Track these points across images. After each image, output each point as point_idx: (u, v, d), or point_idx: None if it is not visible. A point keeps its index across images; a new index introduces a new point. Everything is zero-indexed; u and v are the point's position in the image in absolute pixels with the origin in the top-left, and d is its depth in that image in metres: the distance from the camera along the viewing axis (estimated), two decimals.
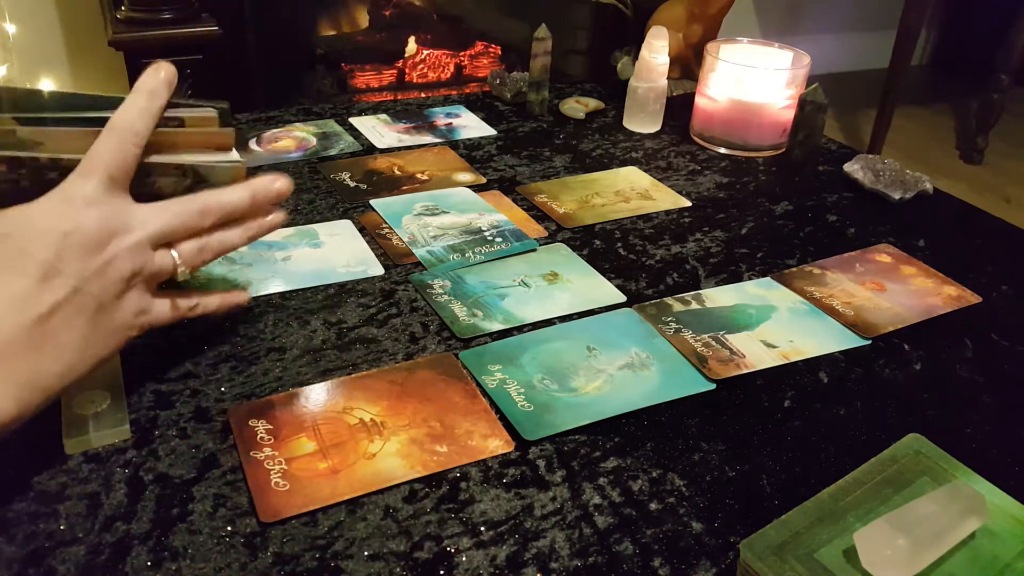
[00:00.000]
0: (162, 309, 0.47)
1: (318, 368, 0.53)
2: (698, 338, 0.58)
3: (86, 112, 0.48)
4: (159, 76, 0.47)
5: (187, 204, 0.47)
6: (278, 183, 0.50)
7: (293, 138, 0.87)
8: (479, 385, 0.52)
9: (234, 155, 0.52)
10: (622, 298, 0.63)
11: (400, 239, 0.69)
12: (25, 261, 0.40)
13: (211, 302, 0.52)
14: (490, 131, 0.93)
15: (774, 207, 0.80)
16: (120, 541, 0.40)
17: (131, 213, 0.44)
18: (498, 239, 0.69)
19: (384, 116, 0.95)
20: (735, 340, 0.58)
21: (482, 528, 0.43)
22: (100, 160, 0.44)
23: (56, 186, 0.43)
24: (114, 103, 0.47)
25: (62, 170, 0.45)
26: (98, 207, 0.43)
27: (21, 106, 0.48)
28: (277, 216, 0.52)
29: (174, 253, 0.46)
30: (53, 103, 0.48)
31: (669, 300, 0.63)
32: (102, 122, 0.45)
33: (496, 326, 0.58)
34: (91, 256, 0.42)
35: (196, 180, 0.50)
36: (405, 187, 0.78)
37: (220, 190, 0.49)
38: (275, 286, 0.61)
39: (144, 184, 0.47)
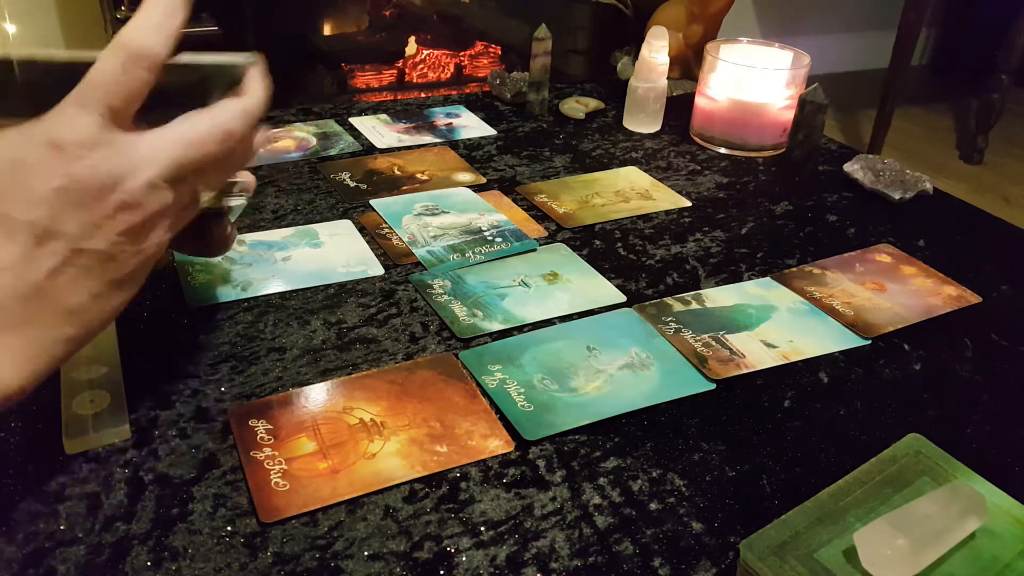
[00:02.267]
0: (183, 219, 0.41)
1: (318, 368, 0.53)
2: (698, 338, 0.58)
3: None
4: None
5: (208, 127, 0.39)
6: (259, 88, 0.43)
7: (293, 138, 0.87)
8: (479, 385, 0.52)
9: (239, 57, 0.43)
10: (622, 298, 0.63)
11: (400, 239, 0.69)
12: (10, 224, 0.34)
13: (246, 184, 0.45)
14: (490, 131, 0.93)
15: (774, 207, 0.80)
16: (120, 541, 0.40)
17: (136, 150, 0.37)
18: (498, 239, 0.69)
19: (384, 116, 0.95)
20: (735, 340, 0.58)
21: (482, 528, 0.43)
22: (100, 87, 0.36)
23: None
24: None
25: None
26: (95, 151, 0.36)
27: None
28: (267, 133, 0.46)
29: (193, 178, 0.40)
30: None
31: (669, 300, 0.63)
32: None
33: (496, 326, 0.58)
34: (92, 211, 0.36)
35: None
36: (405, 187, 0.78)
37: (240, 99, 0.41)
38: (275, 286, 0.61)
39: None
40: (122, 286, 0.39)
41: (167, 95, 0.39)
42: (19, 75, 0.39)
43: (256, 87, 0.43)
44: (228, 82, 0.42)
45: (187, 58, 0.40)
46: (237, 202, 0.47)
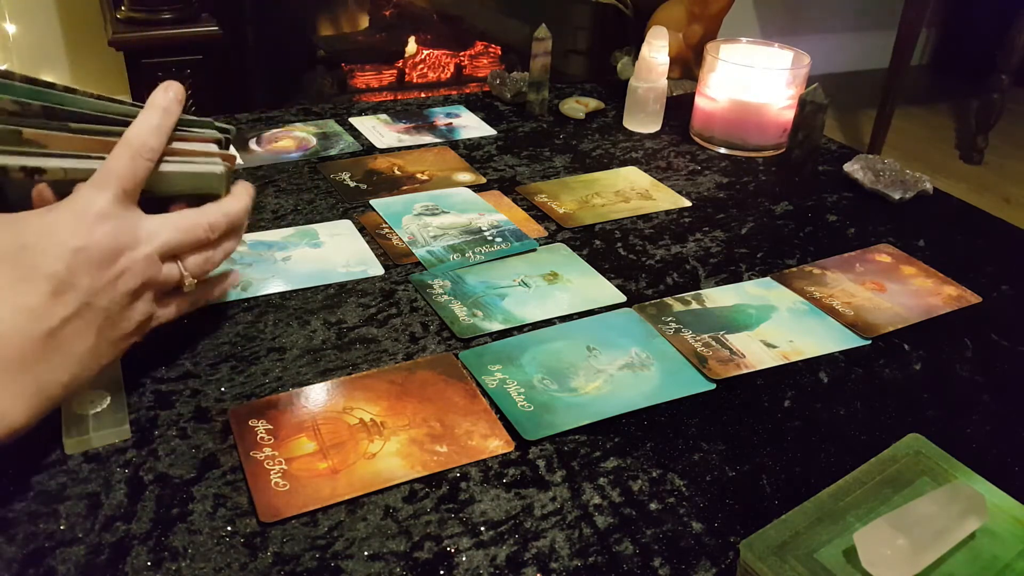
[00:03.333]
0: (166, 312, 0.49)
1: (318, 368, 0.53)
2: (698, 338, 0.58)
3: (88, 112, 0.48)
4: (169, 95, 0.48)
5: (196, 219, 0.48)
6: (242, 201, 0.52)
7: (293, 138, 0.87)
8: (479, 385, 0.52)
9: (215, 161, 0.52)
10: (622, 298, 0.63)
11: (400, 239, 0.69)
12: (37, 275, 0.41)
13: (212, 294, 0.53)
14: (490, 131, 0.93)
15: (774, 207, 0.80)
16: (120, 541, 0.40)
17: (141, 227, 0.45)
18: (498, 239, 0.69)
19: (384, 116, 0.95)
20: (735, 340, 0.58)
21: (482, 528, 0.43)
22: (113, 174, 0.45)
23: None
24: (118, 110, 0.48)
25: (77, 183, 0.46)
26: (110, 222, 0.44)
27: (23, 98, 0.47)
28: (234, 241, 0.54)
29: (180, 265, 0.48)
30: (55, 100, 0.48)
31: (669, 300, 0.63)
32: (109, 132, 0.47)
33: (496, 326, 0.58)
34: (102, 271, 0.43)
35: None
36: (405, 187, 0.78)
37: (223, 203, 0.50)
38: (275, 286, 0.61)
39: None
40: (112, 345, 0.45)
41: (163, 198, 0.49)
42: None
43: (241, 196, 0.52)
44: (206, 189, 0.51)
45: (172, 168, 0.49)
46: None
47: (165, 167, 0.48)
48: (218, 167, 0.51)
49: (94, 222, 0.43)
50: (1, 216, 0.42)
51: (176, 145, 0.49)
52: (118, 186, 0.44)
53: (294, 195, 0.75)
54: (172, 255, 0.47)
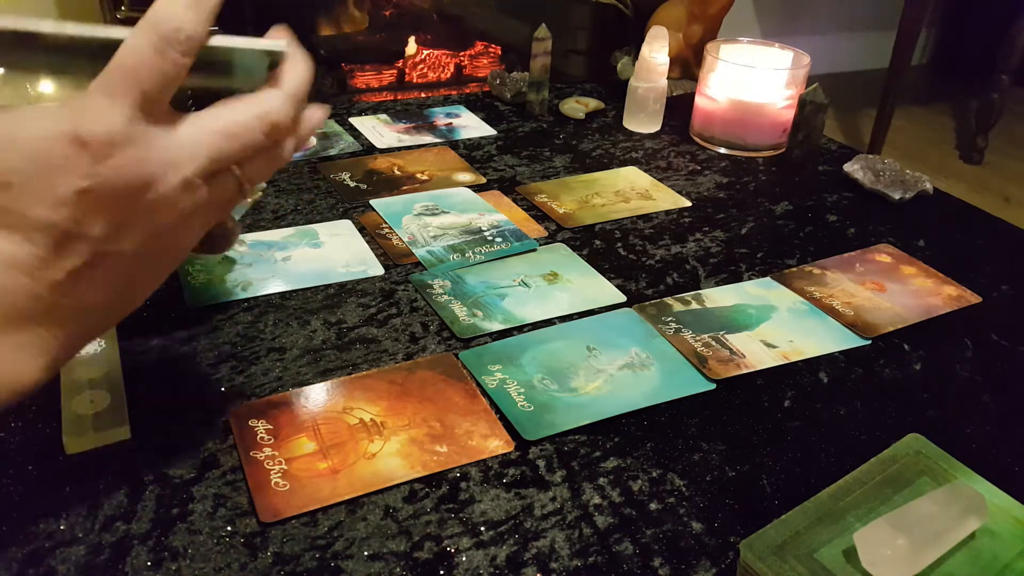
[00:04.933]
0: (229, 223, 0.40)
1: (318, 368, 0.53)
2: (698, 338, 0.58)
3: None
4: None
5: (248, 117, 0.36)
6: (301, 68, 0.41)
7: None
8: (479, 385, 0.52)
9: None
10: (622, 298, 0.63)
11: (400, 239, 0.69)
12: (29, 223, 0.31)
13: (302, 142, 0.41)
14: (490, 131, 0.93)
15: (774, 207, 0.80)
16: (120, 541, 0.40)
17: (170, 147, 0.34)
18: (498, 239, 0.69)
19: (384, 116, 0.95)
20: (735, 340, 0.58)
21: (482, 528, 0.43)
22: (131, 73, 0.32)
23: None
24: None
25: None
26: (125, 150, 0.32)
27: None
28: (323, 111, 0.43)
29: (236, 171, 0.37)
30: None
31: (669, 300, 0.63)
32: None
33: (496, 326, 0.58)
34: (120, 213, 0.33)
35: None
36: (405, 187, 0.78)
37: (283, 82, 0.39)
38: (275, 286, 0.61)
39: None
40: (145, 284, 0.37)
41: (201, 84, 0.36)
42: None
43: (297, 70, 0.39)
44: (265, 69, 0.39)
45: (220, 41, 0.37)
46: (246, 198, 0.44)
47: (212, 40, 0.36)
48: (280, 44, 0.39)
49: (102, 151, 0.32)
50: None
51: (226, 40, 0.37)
52: (136, 92, 0.32)
53: (294, 195, 0.75)
54: (222, 170, 0.36)
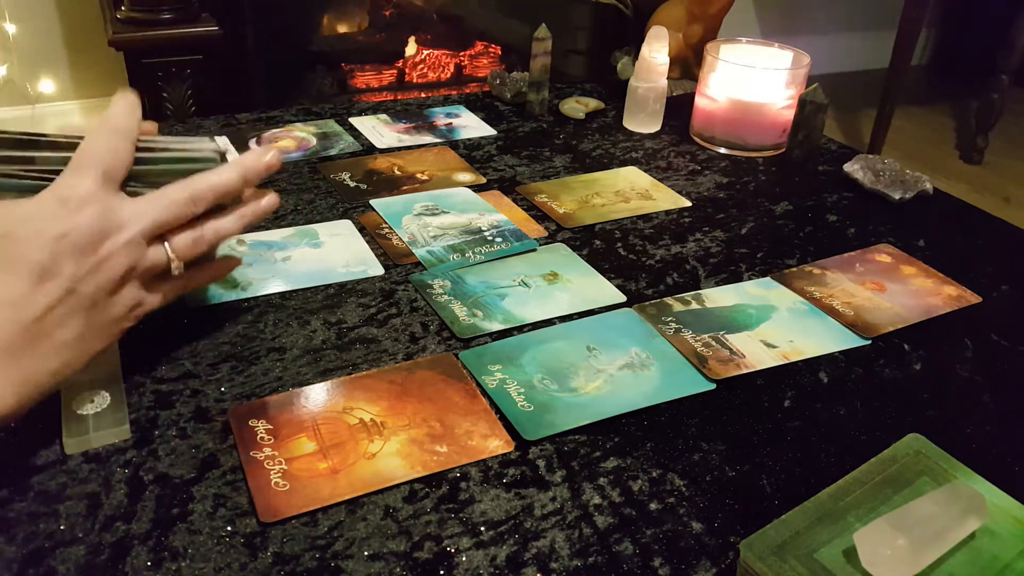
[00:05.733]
0: (153, 299, 0.48)
1: (318, 368, 0.53)
2: (698, 338, 0.58)
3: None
4: (128, 98, 0.48)
5: (177, 193, 0.47)
6: (267, 157, 0.50)
7: (293, 138, 0.87)
8: (479, 385, 0.52)
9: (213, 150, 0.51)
10: (622, 298, 0.63)
11: (400, 239, 0.69)
12: (20, 264, 0.41)
13: (202, 277, 0.52)
14: (490, 131, 0.93)
15: (774, 207, 0.80)
16: (120, 541, 0.40)
17: (124, 210, 0.44)
18: (498, 239, 0.69)
19: (384, 116, 0.95)
20: (735, 340, 0.58)
21: (482, 528, 0.43)
22: (93, 157, 0.44)
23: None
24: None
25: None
26: (92, 206, 0.43)
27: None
28: (270, 199, 0.52)
29: (167, 246, 0.47)
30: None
31: (669, 300, 0.63)
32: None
33: (496, 326, 0.58)
34: (85, 257, 0.43)
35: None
36: (405, 187, 0.78)
37: (209, 173, 0.48)
38: (275, 286, 0.61)
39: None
40: (101, 332, 0.45)
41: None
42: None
43: (227, 169, 0.49)
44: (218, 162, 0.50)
45: (162, 155, 0.48)
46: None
47: (154, 155, 0.48)
48: (211, 149, 0.50)
49: (76, 207, 0.42)
50: None
51: (169, 141, 0.49)
52: (99, 168, 0.44)
53: (294, 195, 0.75)
54: (158, 235, 0.46)
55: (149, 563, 0.39)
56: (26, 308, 0.41)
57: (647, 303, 0.62)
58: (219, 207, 0.49)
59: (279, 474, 0.45)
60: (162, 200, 0.46)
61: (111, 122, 0.46)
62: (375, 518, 0.43)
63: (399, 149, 0.87)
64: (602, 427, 0.50)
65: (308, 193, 0.76)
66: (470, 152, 0.87)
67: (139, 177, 0.47)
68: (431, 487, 0.45)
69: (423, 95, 1.82)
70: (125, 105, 0.47)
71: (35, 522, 0.41)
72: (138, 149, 0.47)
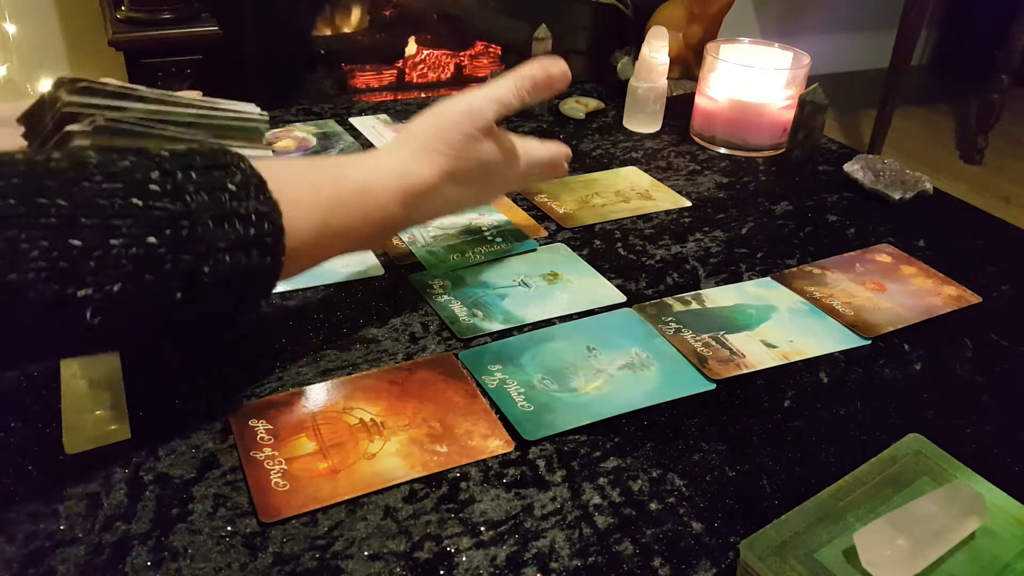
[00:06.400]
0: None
1: (318, 368, 0.53)
2: (698, 338, 0.58)
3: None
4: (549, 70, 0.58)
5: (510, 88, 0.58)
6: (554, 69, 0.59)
7: (293, 138, 0.87)
8: (479, 385, 0.52)
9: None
10: (622, 298, 0.63)
11: (400, 239, 0.69)
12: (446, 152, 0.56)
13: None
14: None
15: (774, 207, 0.80)
16: (120, 541, 0.40)
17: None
18: (498, 239, 0.69)
19: (384, 116, 0.95)
20: (735, 340, 0.58)
21: (482, 528, 0.43)
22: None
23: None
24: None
25: None
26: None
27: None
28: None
29: None
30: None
31: (669, 300, 0.63)
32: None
33: (496, 326, 0.58)
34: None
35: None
36: None
37: (509, 80, 0.57)
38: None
39: None
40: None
41: None
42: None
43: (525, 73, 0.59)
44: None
45: (219, 103, 0.56)
46: None
47: (216, 111, 0.54)
48: (257, 112, 0.58)
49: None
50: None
51: (222, 102, 0.55)
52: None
53: None
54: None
55: (149, 563, 0.39)
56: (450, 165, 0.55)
57: (647, 303, 0.62)
58: None
59: (279, 474, 0.45)
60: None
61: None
62: (375, 518, 0.43)
63: None
64: (602, 427, 0.50)
65: None
66: None
67: (206, 129, 0.52)
68: (431, 487, 0.45)
69: (423, 95, 1.82)
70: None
71: (35, 522, 0.41)
72: (203, 107, 0.51)
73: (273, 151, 0.54)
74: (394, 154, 0.54)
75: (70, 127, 0.46)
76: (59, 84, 0.47)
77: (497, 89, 0.57)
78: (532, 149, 0.62)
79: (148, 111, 0.47)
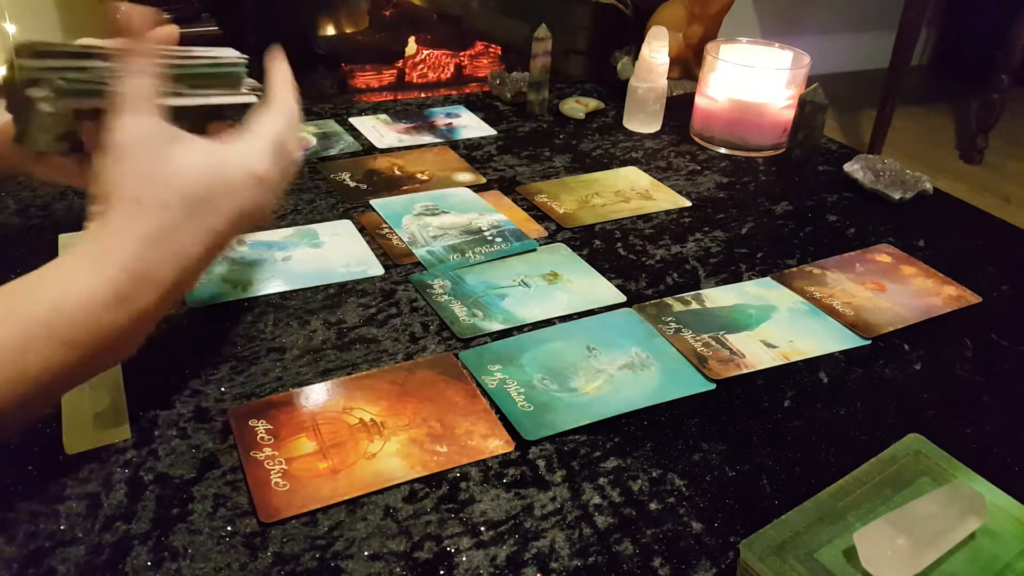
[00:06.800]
0: None
1: (318, 368, 0.53)
2: (698, 338, 0.58)
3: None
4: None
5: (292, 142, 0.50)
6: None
7: None
8: (479, 385, 0.52)
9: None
10: (622, 298, 0.63)
11: (400, 239, 0.69)
12: (205, 231, 0.44)
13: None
14: (490, 131, 0.93)
15: (774, 207, 0.80)
16: (120, 541, 0.40)
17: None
18: (498, 239, 0.69)
19: (384, 116, 0.95)
20: (735, 340, 0.58)
21: (482, 528, 0.43)
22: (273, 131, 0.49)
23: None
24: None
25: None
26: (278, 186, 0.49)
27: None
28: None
29: None
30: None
31: (669, 300, 0.63)
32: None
33: (496, 326, 0.58)
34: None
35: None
36: (405, 187, 0.78)
37: (287, 118, 0.50)
38: (275, 286, 0.61)
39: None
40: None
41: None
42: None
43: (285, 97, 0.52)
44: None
45: (194, 51, 0.50)
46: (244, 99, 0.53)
47: (192, 60, 0.50)
48: (235, 56, 0.53)
49: (272, 187, 0.48)
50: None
51: (196, 50, 0.51)
52: (275, 141, 0.49)
53: (294, 195, 0.75)
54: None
55: (149, 563, 0.39)
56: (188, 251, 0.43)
57: (647, 303, 0.62)
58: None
59: (279, 474, 0.45)
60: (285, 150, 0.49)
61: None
62: (375, 518, 0.43)
63: (399, 149, 0.87)
64: (602, 427, 0.50)
65: (308, 193, 0.76)
66: (470, 152, 0.87)
67: (181, 80, 0.49)
68: (431, 487, 0.45)
69: (423, 95, 1.82)
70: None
71: (35, 522, 0.41)
72: (176, 56, 0.48)
73: (258, 96, 0.53)
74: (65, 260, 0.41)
75: (30, 91, 0.45)
76: (17, 50, 0.46)
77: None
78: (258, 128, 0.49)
79: (115, 69, 0.46)
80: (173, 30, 0.49)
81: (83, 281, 0.40)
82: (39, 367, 0.38)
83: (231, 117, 0.52)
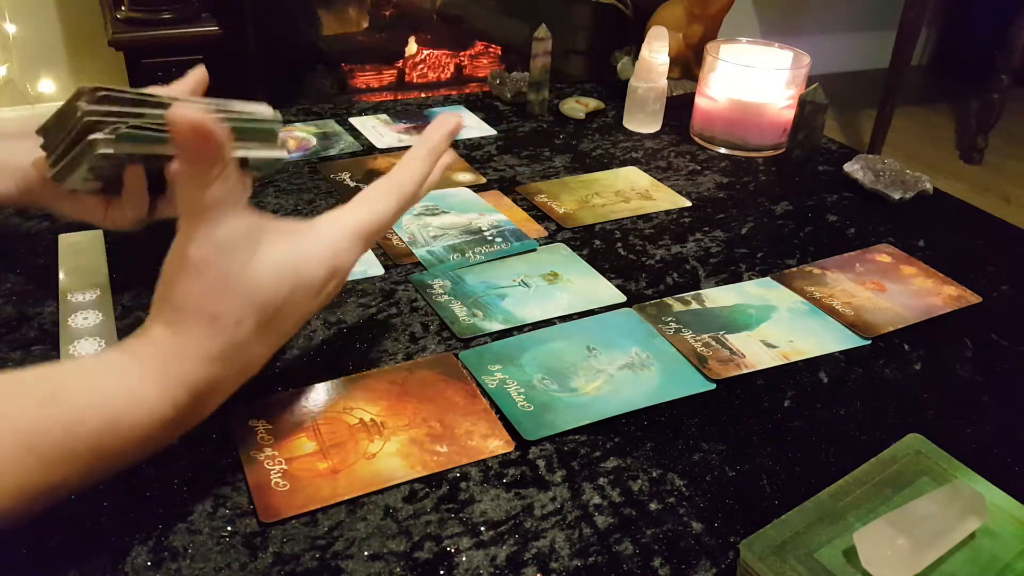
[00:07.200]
0: None
1: (318, 368, 0.53)
2: (698, 338, 0.58)
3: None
4: (443, 130, 0.53)
5: (388, 203, 0.49)
6: (451, 124, 0.54)
7: (293, 138, 0.87)
8: (479, 385, 0.52)
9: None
10: (622, 298, 0.63)
11: (400, 239, 0.69)
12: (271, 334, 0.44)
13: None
14: (490, 131, 0.93)
15: (774, 207, 0.80)
16: (120, 541, 0.40)
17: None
18: (498, 239, 0.69)
19: (384, 116, 0.95)
20: (735, 340, 0.58)
21: (482, 528, 0.43)
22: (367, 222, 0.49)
23: None
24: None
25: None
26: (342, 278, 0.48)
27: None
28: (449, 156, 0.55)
29: None
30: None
31: (669, 300, 0.63)
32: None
33: (496, 326, 0.58)
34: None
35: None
36: None
37: (408, 168, 0.51)
38: None
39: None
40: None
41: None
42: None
43: (420, 157, 0.54)
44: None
45: (227, 104, 0.51)
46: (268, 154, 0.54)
47: (227, 115, 0.50)
48: (269, 113, 0.54)
49: (329, 293, 0.47)
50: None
51: (229, 103, 0.51)
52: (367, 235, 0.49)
53: (294, 195, 0.75)
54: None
55: (149, 563, 0.39)
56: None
57: (647, 303, 0.62)
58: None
59: (279, 474, 0.45)
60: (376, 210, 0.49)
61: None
62: (375, 518, 0.43)
63: (399, 149, 0.87)
64: (602, 427, 0.50)
65: (308, 193, 0.76)
66: (470, 152, 0.87)
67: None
68: (431, 487, 0.45)
69: (423, 95, 1.82)
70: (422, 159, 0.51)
71: (35, 522, 0.41)
72: (217, 110, 0.49)
73: (289, 152, 0.54)
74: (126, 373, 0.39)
75: (93, 136, 0.46)
76: (79, 94, 0.47)
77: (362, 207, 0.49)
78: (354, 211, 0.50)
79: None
80: (204, 75, 0.53)
81: (148, 401, 0.38)
82: (66, 474, 0.36)
83: (258, 168, 0.53)
